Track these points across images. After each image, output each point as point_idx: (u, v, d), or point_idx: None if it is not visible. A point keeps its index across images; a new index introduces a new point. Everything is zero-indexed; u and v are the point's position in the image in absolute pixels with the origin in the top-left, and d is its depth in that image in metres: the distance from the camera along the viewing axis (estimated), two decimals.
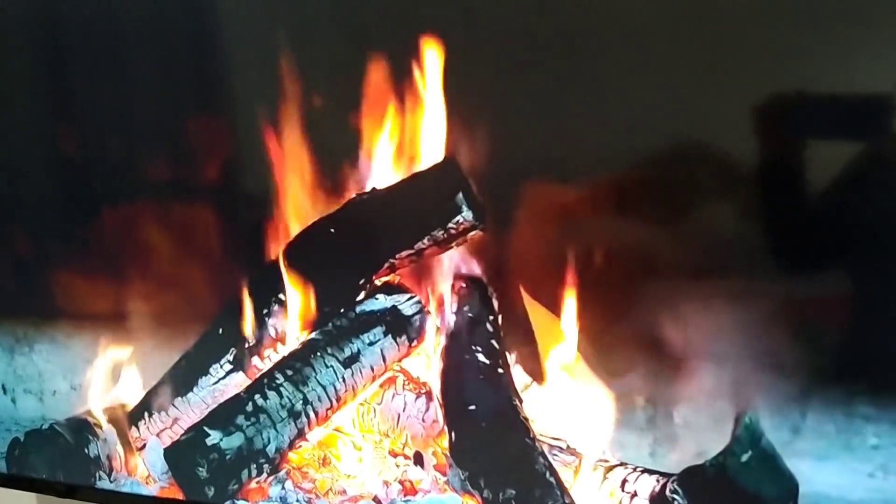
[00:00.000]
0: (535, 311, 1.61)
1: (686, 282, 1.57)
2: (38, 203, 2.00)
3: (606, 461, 1.59)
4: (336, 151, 1.70)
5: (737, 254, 1.54)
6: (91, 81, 1.91)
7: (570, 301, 1.59)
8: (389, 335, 1.60)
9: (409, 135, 1.65)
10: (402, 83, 1.63)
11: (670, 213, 1.57)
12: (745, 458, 1.39)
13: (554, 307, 1.61)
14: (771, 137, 1.50)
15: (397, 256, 1.60)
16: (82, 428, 1.66)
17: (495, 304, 1.68)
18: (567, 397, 1.62)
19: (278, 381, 1.55)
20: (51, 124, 1.96)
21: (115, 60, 1.86)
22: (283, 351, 1.63)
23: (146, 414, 1.68)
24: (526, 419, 1.54)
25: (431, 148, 1.64)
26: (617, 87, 1.55)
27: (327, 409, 1.57)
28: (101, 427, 1.66)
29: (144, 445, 1.65)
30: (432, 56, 1.58)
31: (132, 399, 1.72)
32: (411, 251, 1.59)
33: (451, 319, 1.59)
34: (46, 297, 1.96)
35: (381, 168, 1.68)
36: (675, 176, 1.56)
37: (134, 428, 1.67)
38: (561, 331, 1.60)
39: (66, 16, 1.86)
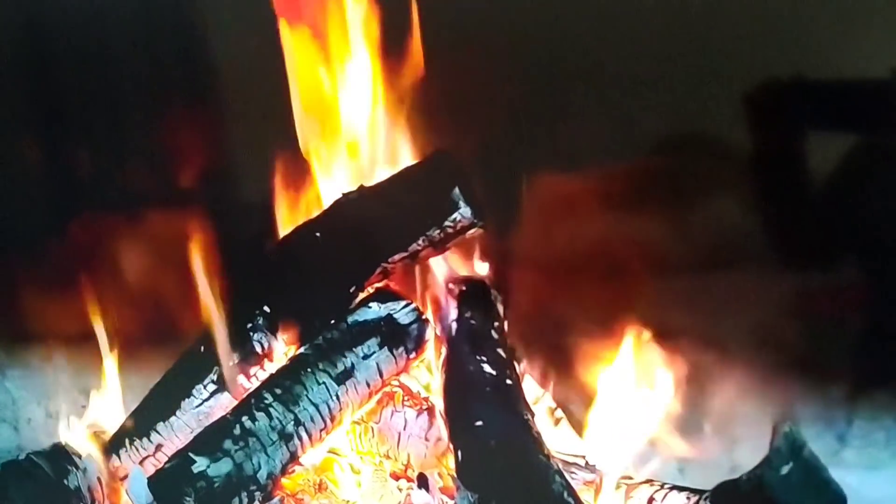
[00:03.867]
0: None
1: (718, 279, 1.53)
2: (7, 221, 1.97)
3: (630, 478, 1.54)
4: (323, 148, 1.67)
5: (776, 251, 1.52)
6: (54, 109, 1.92)
7: (584, 301, 1.57)
8: (385, 347, 1.56)
9: (400, 125, 1.63)
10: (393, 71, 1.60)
11: (699, 210, 1.55)
12: (785, 470, 1.32)
13: (566, 309, 1.60)
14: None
15: (390, 260, 1.58)
16: (61, 458, 1.64)
17: (500, 309, 1.63)
18: (586, 408, 1.59)
19: (267, 402, 1.51)
20: (20, 145, 1.95)
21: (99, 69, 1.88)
22: (271, 368, 1.60)
23: (127, 441, 1.65)
24: (538, 434, 1.49)
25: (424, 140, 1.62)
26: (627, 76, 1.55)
27: (321, 430, 1.55)
28: (80, 456, 1.65)
29: (127, 475, 1.63)
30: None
31: (111, 425, 1.72)
32: (405, 254, 1.58)
33: (451, 327, 1.58)
34: (17, 320, 1.93)
35: (369, 163, 1.66)
36: (705, 169, 1.55)
37: (115, 456, 1.66)
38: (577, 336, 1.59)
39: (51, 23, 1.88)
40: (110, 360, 1.77)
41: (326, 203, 1.65)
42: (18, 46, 1.88)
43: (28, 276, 1.89)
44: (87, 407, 1.76)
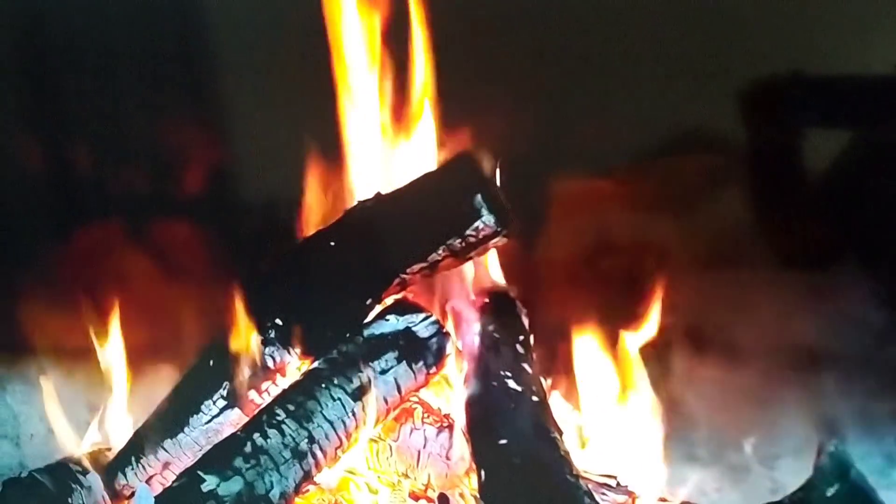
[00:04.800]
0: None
1: (759, 291, 1.50)
2: (9, 233, 1.96)
3: (665, 500, 1.51)
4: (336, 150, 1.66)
5: (821, 260, 1.50)
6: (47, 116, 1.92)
7: (615, 313, 1.53)
8: (404, 361, 1.54)
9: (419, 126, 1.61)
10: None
11: (738, 216, 1.55)
12: (830, 492, 1.28)
13: (596, 321, 1.55)
14: None
15: (408, 270, 1.55)
16: (64, 475, 1.61)
17: (525, 321, 1.60)
18: (618, 426, 1.56)
19: (279, 418, 1.49)
20: (23, 151, 1.95)
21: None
22: (284, 383, 1.59)
23: (133, 458, 1.64)
24: (567, 453, 1.45)
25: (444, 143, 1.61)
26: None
27: (336, 448, 1.51)
28: (84, 474, 1.63)
29: (133, 493, 1.62)
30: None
31: (117, 442, 1.69)
32: (424, 264, 1.54)
33: (474, 341, 1.56)
34: (19, 334, 1.89)
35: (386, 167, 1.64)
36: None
37: (120, 474, 1.64)
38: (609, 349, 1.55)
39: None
40: (115, 375, 1.74)
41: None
42: (18, 46, 1.89)
43: (30, 288, 1.88)
44: (91, 423, 1.73)
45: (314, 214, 1.66)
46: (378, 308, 1.59)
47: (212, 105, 1.82)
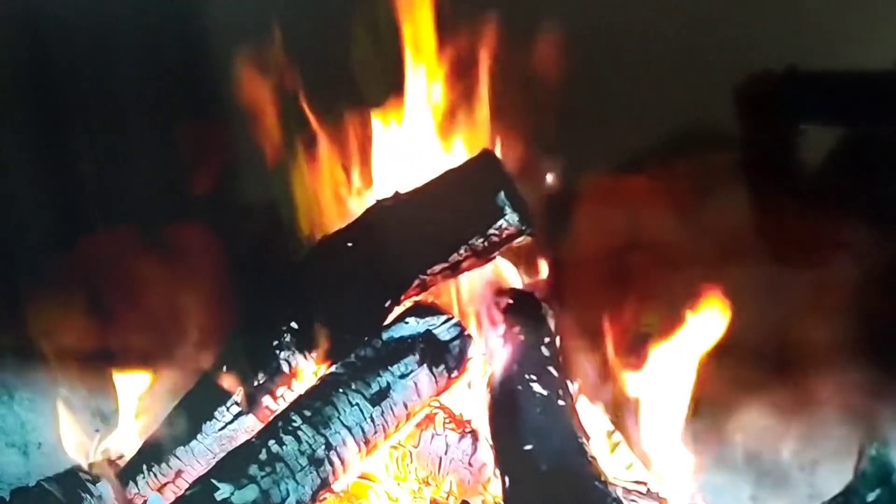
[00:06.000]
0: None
1: (798, 290, 1.48)
2: (17, 232, 1.96)
3: None
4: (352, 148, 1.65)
5: (857, 261, 1.47)
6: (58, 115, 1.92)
7: (645, 314, 1.53)
8: (424, 365, 1.53)
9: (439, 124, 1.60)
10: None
11: (775, 212, 1.53)
12: (871, 497, 1.27)
13: (626, 323, 1.54)
14: None
15: (429, 272, 1.54)
16: (74, 484, 1.61)
17: (552, 323, 1.58)
18: (648, 430, 1.53)
19: (295, 424, 1.48)
20: (30, 158, 1.95)
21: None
22: (300, 388, 1.57)
23: (145, 466, 1.63)
24: (594, 459, 1.43)
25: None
26: None
27: (354, 455, 1.49)
28: (94, 483, 1.61)
29: (144, 502, 1.59)
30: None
31: (128, 450, 1.68)
32: (445, 264, 1.53)
33: (497, 344, 1.54)
34: (26, 340, 1.89)
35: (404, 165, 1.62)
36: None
37: (132, 483, 1.62)
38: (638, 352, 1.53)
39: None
40: (126, 381, 1.73)
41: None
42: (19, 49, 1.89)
43: (37, 294, 1.87)
44: (101, 430, 1.73)
45: (329, 215, 1.66)
46: (398, 310, 1.57)
47: (221, 105, 1.81)
